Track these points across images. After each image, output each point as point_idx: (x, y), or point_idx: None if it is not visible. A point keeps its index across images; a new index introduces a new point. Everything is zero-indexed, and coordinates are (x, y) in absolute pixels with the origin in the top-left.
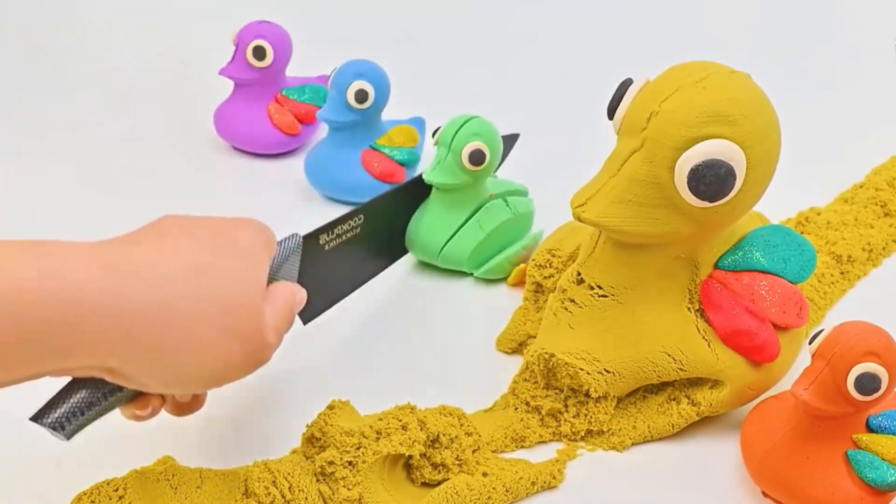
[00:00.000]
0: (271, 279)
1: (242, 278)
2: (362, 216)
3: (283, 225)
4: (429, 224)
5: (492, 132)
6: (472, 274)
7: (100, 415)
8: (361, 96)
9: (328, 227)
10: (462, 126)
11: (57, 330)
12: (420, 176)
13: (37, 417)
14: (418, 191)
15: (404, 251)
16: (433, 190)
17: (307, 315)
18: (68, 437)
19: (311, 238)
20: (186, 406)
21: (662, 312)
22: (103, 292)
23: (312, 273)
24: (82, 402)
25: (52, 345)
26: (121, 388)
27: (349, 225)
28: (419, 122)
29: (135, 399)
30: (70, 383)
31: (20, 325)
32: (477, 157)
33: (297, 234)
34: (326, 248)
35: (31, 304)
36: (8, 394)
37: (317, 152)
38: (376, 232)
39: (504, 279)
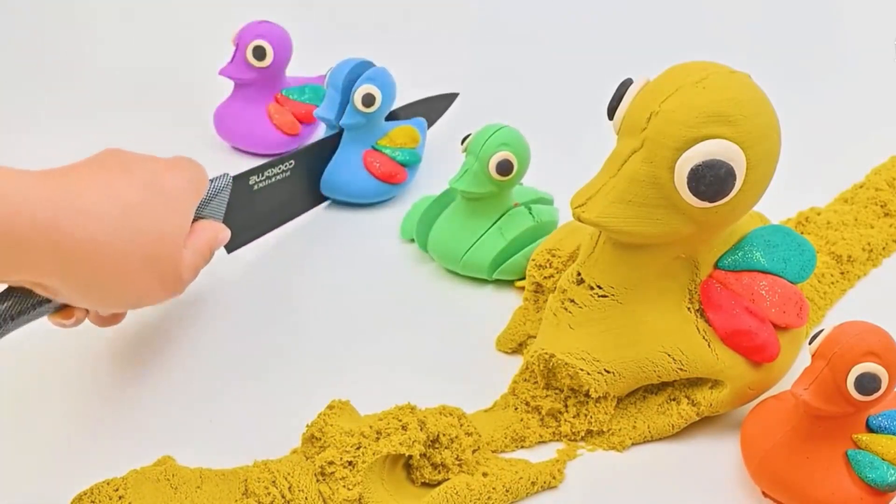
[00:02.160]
0: (199, 215)
1: (168, 224)
2: (293, 161)
3: (285, 226)
4: (451, 231)
5: (521, 142)
6: (491, 280)
7: (26, 322)
8: (369, 100)
9: (259, 170)
10: (492, 135)
11: None
12: (342, 130)
13: None
14: (337, 142)
15: (323, 198)
16: (457, 197)
17: (232, 245)
18: None
19: (242, 178)
20: (108, 320)
21: (662, 312)
22: (42, 223)
23: (240, 210)
24: (12, 309)
25: None
26: (49, 300)
27: (279, 168)
28: (421, 124)
29: (61, 310)
30: (2, 292)
31: None
32: (504, 167)
33: (227, 175)
34: (255, 188)
35: None
36: (8, 393)
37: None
38: (301, 177)
39: (511, 282)
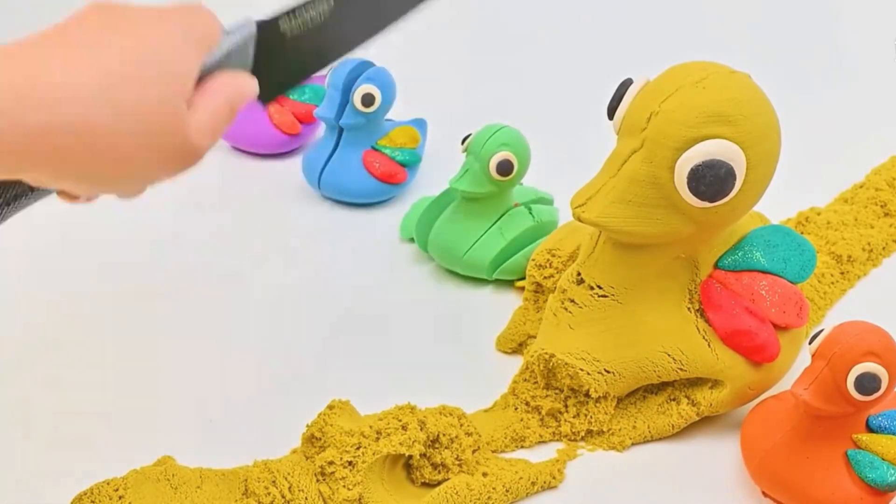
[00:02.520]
0: (212, 70)
1: (160, 89)
2: (332, 1)
3: (284, 226)
4: (451, 230)
5: (521, 143)
6: (491, 280)
7: (25, 206)
8: (368, 100)
9: (290, 12)
10: (492, 135)
11: None
12: None
13: None
14: None
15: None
16: (457, 197)
17: (266, 95)
18: None
19: (271, 24)
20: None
21: (662, 312)
22: (8, 114)
23: (272, 61)
24: (8, 195)
25: None
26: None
27: (317, 10)
28: (421, 124)
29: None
30: None
31: None
32: (505, 168)
33: (249, 21)
34: (288, 35)
35: None
36: (9, 393)
37: (315, 153)
38: (345, 18)
39: (511, 282)
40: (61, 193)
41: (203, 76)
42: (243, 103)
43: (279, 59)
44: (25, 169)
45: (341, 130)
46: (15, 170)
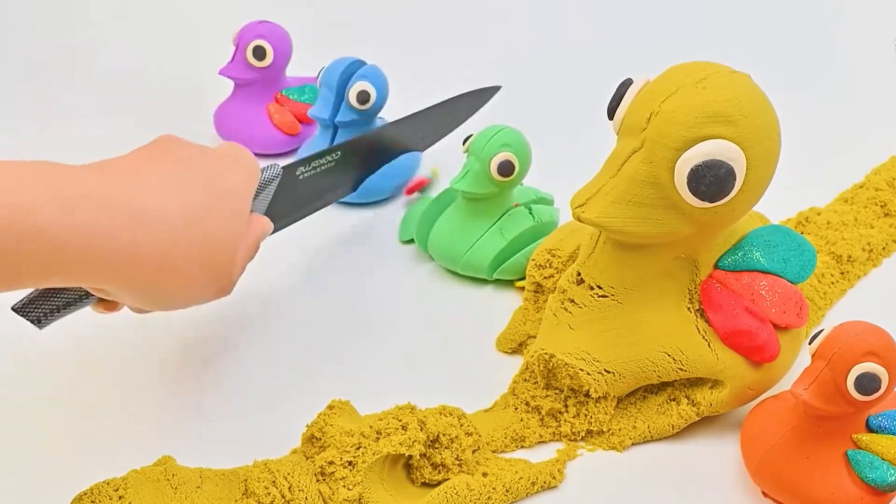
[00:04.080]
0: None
1: (229, 227)
2: (340, 152)
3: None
4: (451, 231)
5: (522, 143)
6: (491, 280)
7: (72, 311)
8: (364, 97)
9: (307, 160)
10: (493, 136)
11: (36, 264)
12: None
13: (19, 310)
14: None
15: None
16: (458, 197)
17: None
18: (42, 328)
19: (290, 169)
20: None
21: (662, 312)
22: (97, 232)
23: (283, 200)
24: (61, 301)
25: (33, 270)
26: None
27: (327, 159)
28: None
29: (104, 302)
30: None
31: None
32: (506, 168)
33: (277, 165)
34: (301, 178)
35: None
36: (9, 393)
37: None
38: (344, 166)
39: (511, 282)
40: (101, 304)
41: None
42: (263, 240)
43: (290, 199)
44: (100, 281)
45: (335, 129)
46: (92, 280)
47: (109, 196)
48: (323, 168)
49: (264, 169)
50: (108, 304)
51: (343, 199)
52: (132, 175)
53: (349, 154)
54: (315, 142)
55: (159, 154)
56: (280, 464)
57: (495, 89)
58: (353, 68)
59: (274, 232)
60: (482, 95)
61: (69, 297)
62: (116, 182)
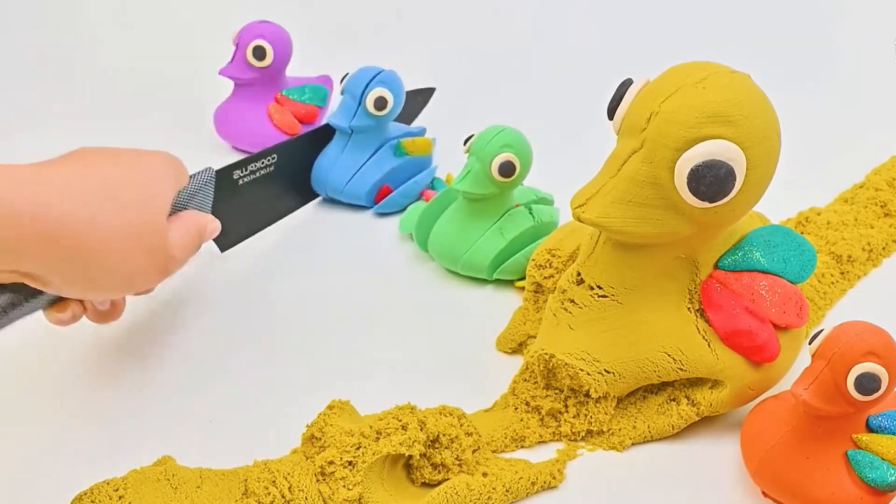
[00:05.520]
0: (182, 207)
1: (150, 195)
2: (276, 155)
3: (283, 226)
4: (451, 231)
5: (523, 144)
6: (491, 280)
7: (21, 315)
8: (381, 104)
9: (242, 164)
10: (494, 137)
11: None
12: (327, 124)
13: None
14: (325, 135)
15: (314, 194)
16: (458, 197)
17: (224, 243)
18: None
19: (225, 172)
20: (106, 315)
21: (662, 312)
22: (24, 200)
23: (227, 205)
24: (5, 302)
25: None
26: (42, 292)
27: (262, 163)
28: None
29: (56, 303)
30: None
31: None
32: (507, 169)
33: (210, 168)
34: (241, 182)
35: None
36: (8, 393)
37: (325, 157)
38: (287, 172)
39: (511, 282)
40: (52, 309)
41: (174, 211)
42: (207, 237)
43: (234, 205)
44: (28, 258)
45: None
46: (18, 257)
47: (31, 172)
48: (262, 173)
49: (196, 173)
50: (60, 305)
51: (348, 202)
52: (54, 164)
53: (289, 158)
54: (329, 146)
55: (78, 154)
56: (280, 464)
57: (430, 91)
58: (373, 74)
59: (231, 244)
60: (417, 98)
61: (13, 297)
62: (39, 168)
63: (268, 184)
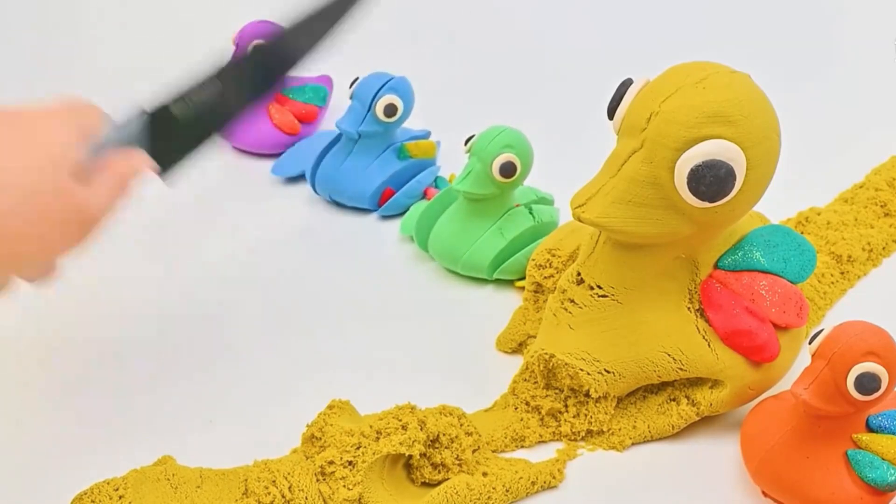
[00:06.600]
0: (104, 152)
1: (41, 154)
2: (220, 83)
3: (284, 226)
4: (452, 231)
5: (524, 144)
6: (491, 280)
7: None
8: (391, 111)
9: (179, 98)
10: (495, 137)
11: None
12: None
13: None
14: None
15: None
16: (459, 197)
17: (166, 167)
18: None
19: (161, 110)
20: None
21: (662, 312)
22: None
23: (169, 139)
24: None
25: None
26: None
27: (207, 93)
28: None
29: None
30: None
31: None
32: (507, 169)
33: (139, 111)
34: (180, 117)
35: None
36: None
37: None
38: (231, 96)
39: (511, 282)
40: None
41: (93, 160)
42: (136, 176)
43: (175, 138)
44: None
45: (357, 138)
46: None
47: None
48: (204, 105)
49: (123, 119)
50: None
51: (353, 205)
52: None
53: (231, 83)
54: (336, 150)
55: None
56: (280, 464)
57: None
58: (383, 81)
59: (173, 169)
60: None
61: None
62: None
63: (212, 110)
